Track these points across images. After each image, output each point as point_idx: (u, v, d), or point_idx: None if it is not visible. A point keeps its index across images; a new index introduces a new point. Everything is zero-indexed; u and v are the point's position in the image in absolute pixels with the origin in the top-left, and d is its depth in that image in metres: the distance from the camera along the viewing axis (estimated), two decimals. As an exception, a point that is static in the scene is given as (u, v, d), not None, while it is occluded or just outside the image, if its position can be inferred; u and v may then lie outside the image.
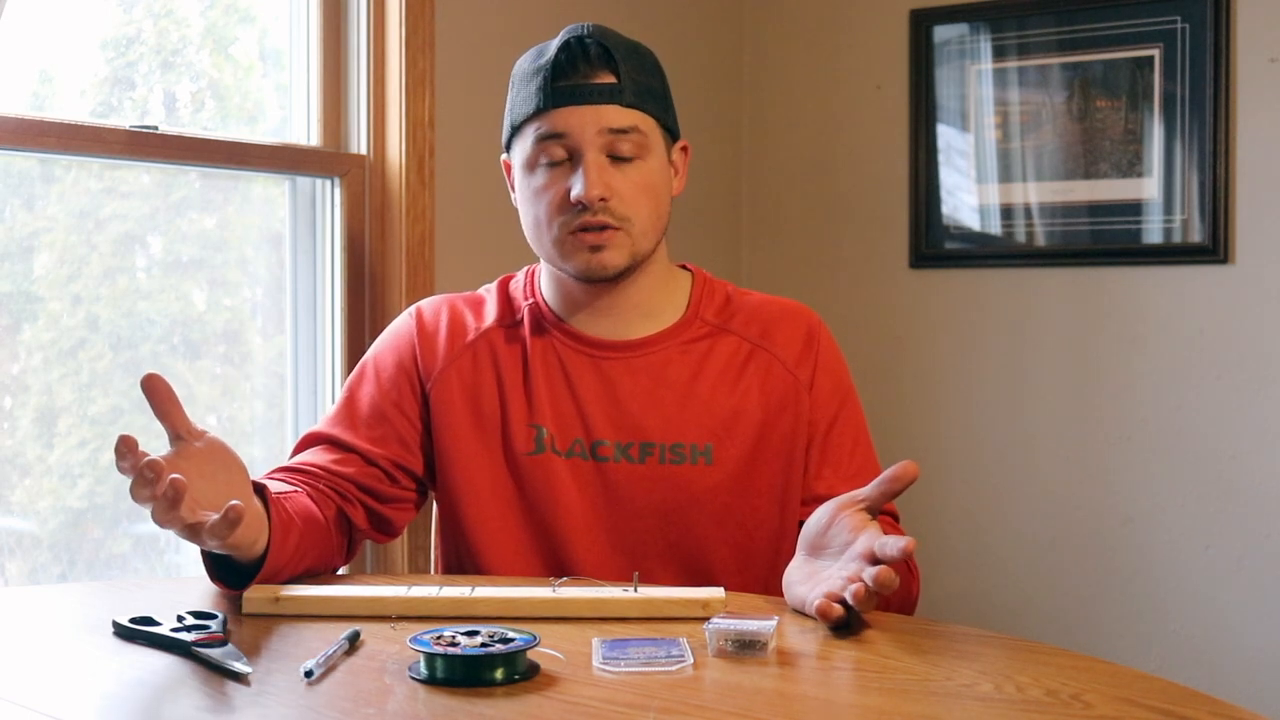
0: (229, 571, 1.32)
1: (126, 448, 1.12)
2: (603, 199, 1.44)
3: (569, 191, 1.45)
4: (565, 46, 1.46)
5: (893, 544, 1.17)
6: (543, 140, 1.47)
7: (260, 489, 1.32)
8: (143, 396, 1.22)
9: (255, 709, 1.01)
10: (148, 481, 1.11)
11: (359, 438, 1.52)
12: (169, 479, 1.11)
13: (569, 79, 1.45)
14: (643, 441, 1.50)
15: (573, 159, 1.46)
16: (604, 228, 1.46)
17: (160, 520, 1.13)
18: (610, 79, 1.46)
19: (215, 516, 1.14)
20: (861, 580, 1.18)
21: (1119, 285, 2.78)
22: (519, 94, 1.51)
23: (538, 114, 1.47)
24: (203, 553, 1.30)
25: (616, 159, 1.46)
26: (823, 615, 1.20)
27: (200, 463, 1.21)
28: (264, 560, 1.29)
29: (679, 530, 1.50)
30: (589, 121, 1.45)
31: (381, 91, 2.40)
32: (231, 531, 1.14)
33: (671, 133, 1.54)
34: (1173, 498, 2.73)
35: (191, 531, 1.16)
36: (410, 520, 1.58)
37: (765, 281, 3.10)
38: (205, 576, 1.32)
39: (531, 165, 1.49)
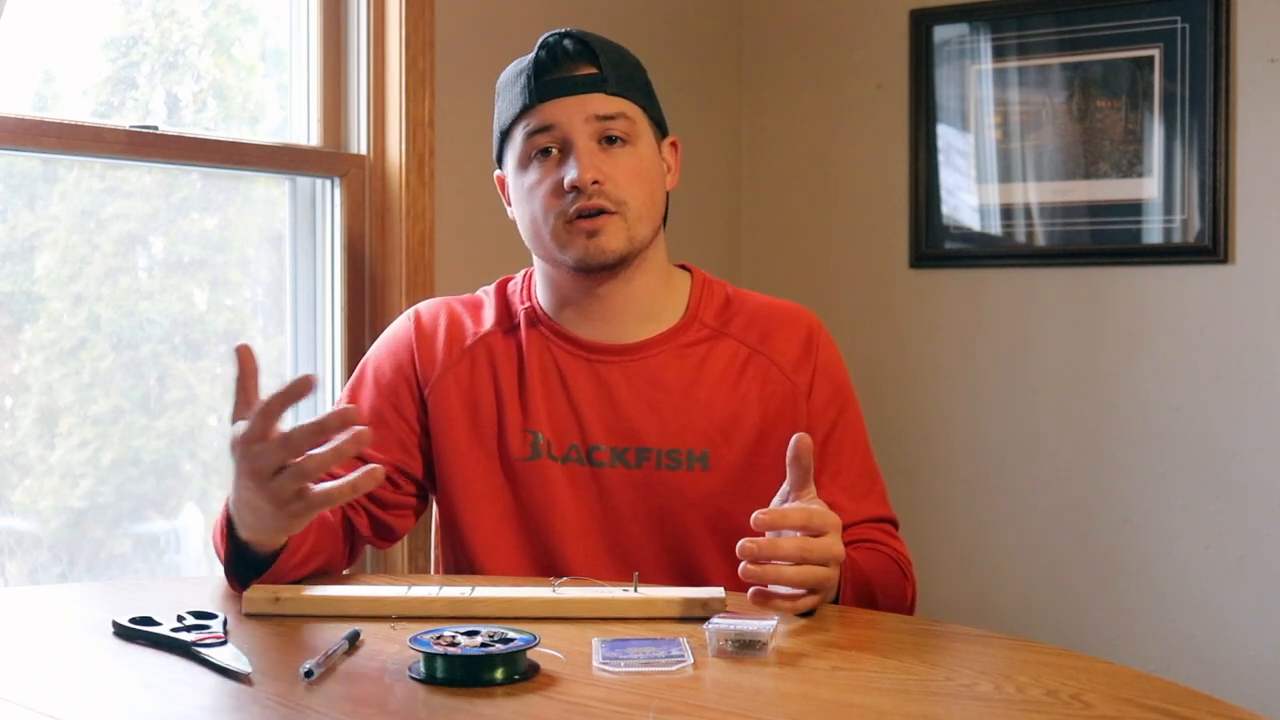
0: (245, 568, 1.32)
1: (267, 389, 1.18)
2: (596, 182, 1.45)
3: (563, 181, 1.46)
4: (545, 45, 1.50)
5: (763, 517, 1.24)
6: (532, 135, 1.48)
7: None
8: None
9: (255, 709, 1.01)
10: (320, 430, 1.20)
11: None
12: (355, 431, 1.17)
13: (552, 74, 1.48)
14: (639, 447, 1.50)
15: (564, 150, 1.47)
16: (599, 212, 1.46)
17: (312, 467, 1.21)
18: (593, 70, 1.48)
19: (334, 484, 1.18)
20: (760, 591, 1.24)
21: (1119, 285, 2.78)
22: (504, 100, 1.53)
23: (525, 111, 1.48)
24: (228, 546, 1.31)
25: (609, 143, 1.48)
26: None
27: None
28: (279, 553, 1.30)
29: (674, 536, 1.50)
30: (575, 111, 1.47)
31: (381, 91, 2.40)
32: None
33: (660, 126, 1.55)
34: (1173, 498, 2.73)
35: (301, 497, 1.21)
36: (410, 527, 1.58)
37: (765, 281, 3.10)
38: (206, 577, 1.33)
39: (524, 163, 1.50)
